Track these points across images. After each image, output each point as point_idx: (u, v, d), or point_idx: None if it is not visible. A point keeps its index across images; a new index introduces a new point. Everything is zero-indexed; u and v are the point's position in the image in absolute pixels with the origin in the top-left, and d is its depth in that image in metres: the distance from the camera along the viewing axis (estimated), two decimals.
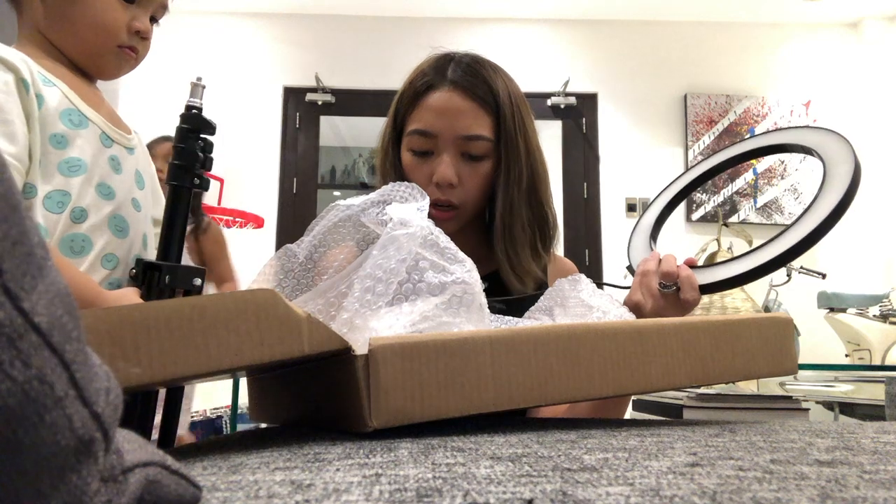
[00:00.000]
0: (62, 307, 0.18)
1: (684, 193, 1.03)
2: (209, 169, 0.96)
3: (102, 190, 0.94)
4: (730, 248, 2.83)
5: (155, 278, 0.91)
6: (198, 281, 0.93)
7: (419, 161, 0.88)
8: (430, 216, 0.84)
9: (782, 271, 2.65)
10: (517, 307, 0.76)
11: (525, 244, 0.90)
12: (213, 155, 0.96)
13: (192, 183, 0.93)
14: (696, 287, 0.82)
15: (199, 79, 0.97)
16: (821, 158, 0.84)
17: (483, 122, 0.86)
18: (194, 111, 0.94)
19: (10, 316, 0.16)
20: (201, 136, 0.94)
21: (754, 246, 0.85)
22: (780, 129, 0.96)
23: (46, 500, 0.18)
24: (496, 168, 0.89)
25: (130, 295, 0.90)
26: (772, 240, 0.80)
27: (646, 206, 1.06)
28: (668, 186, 1.04)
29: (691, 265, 0.86)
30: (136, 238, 0.99)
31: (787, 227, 0.79)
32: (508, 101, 0.88)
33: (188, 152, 0.93)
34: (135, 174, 1.01)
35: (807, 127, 0.93)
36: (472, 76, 0.87)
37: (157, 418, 0.95)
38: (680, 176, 1.04)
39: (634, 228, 1.02)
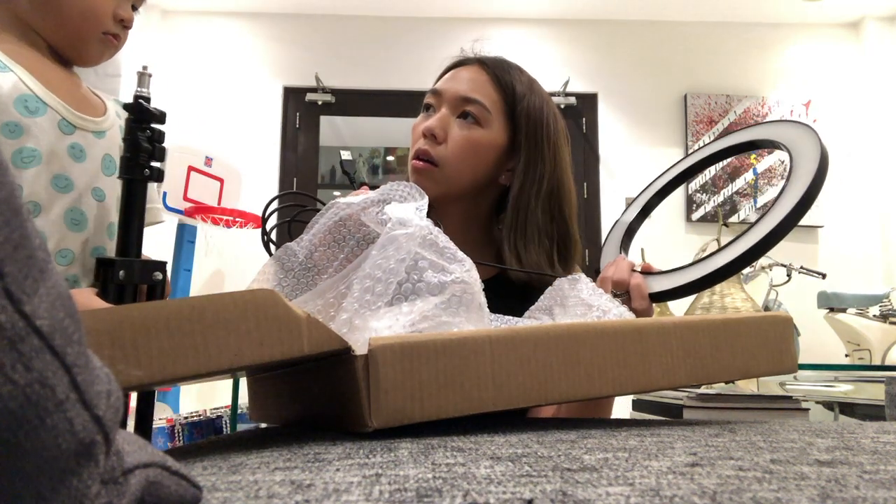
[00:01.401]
0: (63, 310, 0.18)
1: (660, 197, 1.02)
2: (161, 160, 0.94)
3: (59, 182, 0.91)
4: None
5: (109, 274, 0.88)
6: (158, 275, 0.91)
7: (422, 119, 0.91)
8: (411, 167, 0.86)
9: (782, 271, 2.65)
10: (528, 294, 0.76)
11: (539, 245, 0.88)
12: (164, 144, 0.94)
13: (144, 174, 0.91)
14: (646, 296, 0.81)
15: (144, 67, 0.96)
16: (789, 153, 0.82)
17: (487, 92, 0.88)
18: (140, 101, 0.92)
19: (11, 319, 0.16)
20: (150, 126, 0.92)
21: (714, 249, 0.83)
22: (751, 125, 0.93)
23: (47, 502, 0.18)
24: (509, 161, 0.90)
25: (86, 294, 0.88)
26: (733, 241, 0.77)
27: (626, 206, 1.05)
28: (644, 189, 1.03)
29: (647, 271, 0.85)
30: (100, 229, 0.97)
31: (749, 228, 0.76)
32: (534, 103, 0.90)
33: (134, 143, 0.90)
34: (102, 160, 0.98)
35: (778, 121, 0.90)
36: (499, 62, 0.92)
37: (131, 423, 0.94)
38: (655, 180, 1.03)
39: (610, 232, 1.01)
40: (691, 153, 1.01)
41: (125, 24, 0.98)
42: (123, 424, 0.86)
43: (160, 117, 0.93)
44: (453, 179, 0.87)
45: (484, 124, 0.87)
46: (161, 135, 0.93)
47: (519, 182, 0.88)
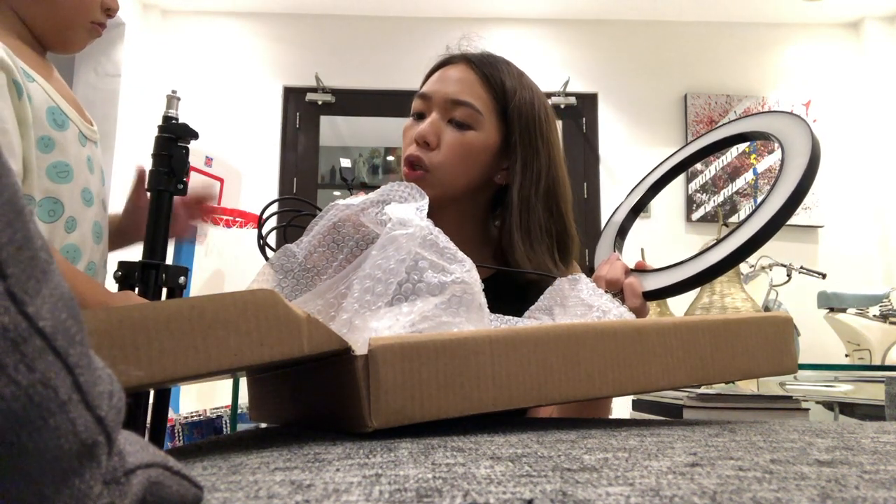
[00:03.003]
0: (66, 311, 0.18)
1: (652, 193, 1.01)
2: (188, 174, 1.01)
3: (85, 195, 0.92)
4: None
5: (152, 277, 0.94)
6: (182, 279, 0.97)
7: (412, 124, 0.89)
8: (405, 175, 0.86)
9: (782, 271, 2.65)
10: (532, 291, 0.76)
11: (542, 243, 0.88)
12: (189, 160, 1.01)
13: (177, 188, 0.98)
14: (639, 294, 0.81)
15: (174, 91, 1.02)
16: (780, 145, 0.81)
17: (477, 94, 0.87)
18: (173, 122, 0.98)
19: (14, 320, 0.16)
20: (186, 145, 0.99)
21: (707, 246, 0.83)
22: (742, 117, 0.92)
23: (49, 502, 0.18)
24: (504, 160, 0.89)
25: (133, 296, 0.91)
26: (726, 237, 0.76)
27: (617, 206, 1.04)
28: (636, 186, 1.03)
29: (641, 269, 0.85)
30: (106, 240, 0.99)
31: (742, 223, 0.76)
32: (525, 100, 0.89)
33: (178, 160, 0.98)
34: (100, 170, 1.00)
35: (769, 112, 0.89)
36: (487, 59, 0.90)
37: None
38: (646, 176, 1.03)
39: (603, 230, 1.01)
40: (682, 148, 1.00)
41: (110, 14, 0.98)
42: (142, 424, 0.89)
43: (196, 135, 1.01)
44: (448, 184, 0.86)
45: (476, 126, 0.86)
46: (189, 152, 1.01)
47: (518, 181, 0.88)
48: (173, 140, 0.97)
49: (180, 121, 1.00)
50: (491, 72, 0.88)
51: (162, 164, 0.97)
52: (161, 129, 0.98)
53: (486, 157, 0.88)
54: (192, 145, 1.01)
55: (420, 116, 0.89)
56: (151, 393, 0.97)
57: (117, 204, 1.11)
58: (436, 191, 0.85)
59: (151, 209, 0.97)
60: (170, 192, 0.97)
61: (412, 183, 0.84)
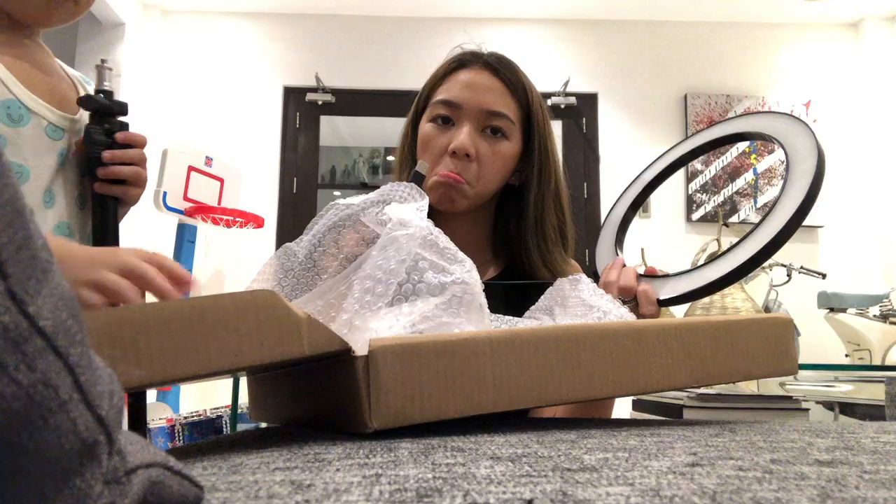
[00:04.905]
0: (67, 311, 0.18)
1: (650, 189, 1.01)
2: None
3: (45, 198, 0.84)
4: None
5: None
6: None
7: (439, 131, 0.87)
8: (438, 181, 0.84)
9: (782, 271, 2.65)
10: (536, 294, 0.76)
11: (555, 243, 0.90)
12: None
13: (99, 163, 0.87)
14: (654, 301, 0.81)
15: (103, 61, 0.91)
16: (783, 148, 0.81)
17: (509, 103, 0.87)
18: (100, 94, 0.88)
19: (15, 320, 0.16)
20: (109, 119, 0.88)
21: (714, 249, 0.83)
22: (740, 115, 0.92)
23: (50, 502, 0.18)
24: (520, 163, 0.90)
25: (121, 253, 0.75)
26: (738, 244, 0.76)
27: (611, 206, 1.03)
28: (633, 182, 1.03)
29: (652, 275, 0.84)
30: (83, 238, 0.92)
31: (754, 229, 0.76)
32: (539, 105, 0.90)
33: (93, 140, 0.86)
34: (79, 162, 0.90)
35: (768, 113, 0.89)
36: (506, 64, 0.89)
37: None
38: (641, 173, 1.03)
39: (601, 231, 1.00)
40: (679, 143, 1.00)
41: None
42: (145, 424, 0.82)
43: (122, 109, 0.89)
44: (482, 193, 0.87)
45: (509, 136, 0.87)
46: (120, 126, 0.89)
47: (536, 185, 0.89)
48: (92, 116, 0.87)
49: (113, 94, 0.89)
50: (512, 78, 0.88)
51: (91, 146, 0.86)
52: (80, 102, 0.87)
53: (513, 165, 0.89)
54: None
55: (445, 121, 0.87)
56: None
57: None
58: (469, 201, 0.86)
59: (94, 205, 0.88)
60: (94, 175, 0.87)
61: (448, 190, 0.83)
